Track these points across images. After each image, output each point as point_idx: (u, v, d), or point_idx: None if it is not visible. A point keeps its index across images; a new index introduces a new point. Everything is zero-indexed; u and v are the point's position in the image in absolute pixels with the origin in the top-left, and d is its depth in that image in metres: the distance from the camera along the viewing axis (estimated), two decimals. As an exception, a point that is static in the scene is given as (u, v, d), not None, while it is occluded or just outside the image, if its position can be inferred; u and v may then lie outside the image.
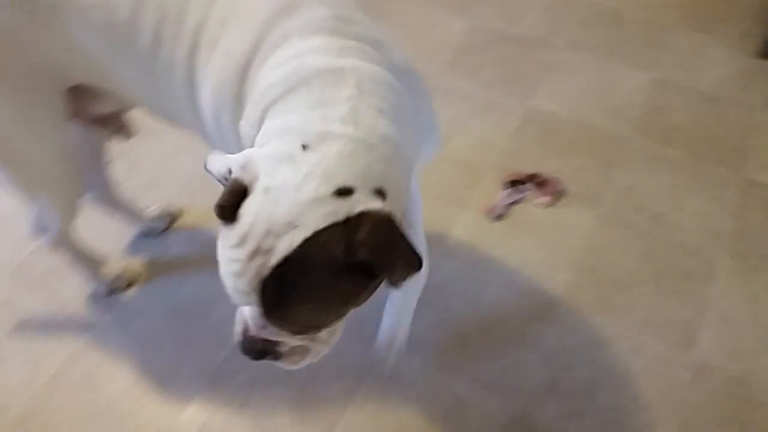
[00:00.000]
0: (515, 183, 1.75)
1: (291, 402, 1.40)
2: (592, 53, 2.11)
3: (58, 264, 1.60)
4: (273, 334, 0.83)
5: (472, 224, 1.68)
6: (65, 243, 1.46)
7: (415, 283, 1.31)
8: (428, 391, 1.40)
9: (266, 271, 0.75)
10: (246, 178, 0.77)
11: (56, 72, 1.11)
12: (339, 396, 1.40)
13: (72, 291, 1.61)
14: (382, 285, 0.81)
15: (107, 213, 1.63)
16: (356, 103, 0.82)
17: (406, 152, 0.87)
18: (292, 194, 0.75)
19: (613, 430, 1.32)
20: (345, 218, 0.74)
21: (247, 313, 0.83)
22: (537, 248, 1.62)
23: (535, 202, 1.71)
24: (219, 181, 0.81)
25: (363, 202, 0.76)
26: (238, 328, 0.89)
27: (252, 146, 0.88)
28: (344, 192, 0.75)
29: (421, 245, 1.26)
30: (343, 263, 0.74)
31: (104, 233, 1.67)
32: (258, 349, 0.87)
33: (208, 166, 0.82)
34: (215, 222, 0.77)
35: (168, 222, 1.72)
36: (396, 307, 1.35)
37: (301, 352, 0.90)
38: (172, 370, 1.45)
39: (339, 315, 0.85)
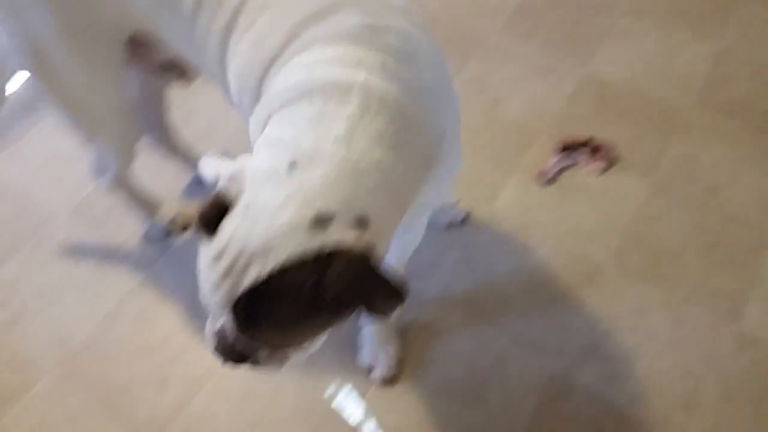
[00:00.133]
0: (568, 148, 1.74)
1: (334, 347, 1.44)
2: (653, 20, 2.06)
3: (116, 205, 1.66)
4: (248, 346, 0.81)
5: (521, 188, 1.68)
6: (123, 185, 1.52)
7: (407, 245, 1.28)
8: (470, 347, 1.42)
9: (237, 292, 0.73)
10: (232, 191, 0.76)
11: (115, 23, 1.15)
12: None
13: (128, 232, 1.68)
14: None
15: (164, 158, 1.67)
16: (355, 124, 0.79)
17: (402, 183, 0.82)
18: (269, 217, 0.72)
19: (653, 395, 1.33)
20: (318, 251, 0.71)
21: (225, 323, 0.79)
22: (587, 214, 1.62)
23: (587, 168, 1.70)
24: (209, 186, 0.79)
25: (340, 235, 0.73)
26: (211, 330, 0.85)
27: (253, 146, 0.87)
28: (321, 221, 0.72)
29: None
30: (312, 298, 0.72)
31: (161, 177, 1.72)
32: (235, 357, 0.84)
33: (201, 170, 0.81)
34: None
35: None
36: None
37: (281, 357, 0.86)
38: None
39: (313, 337, 0.83)
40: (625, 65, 1.94)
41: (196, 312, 1.51)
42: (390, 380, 1.39)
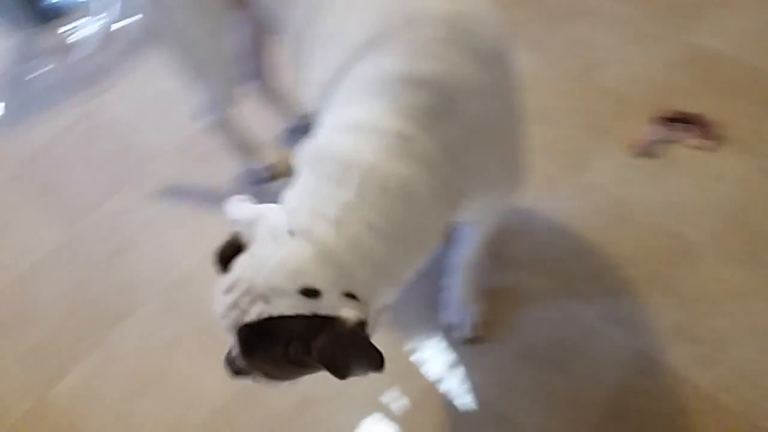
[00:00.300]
0: (668, 120, 1.69)
1: (419, 302, 1.48)
2: (770, -11, 1.95)
3: (216, 147, 1.71)
4: (246, 367, 0.88)
5: (615, 158, 1.65)
6: (224, 128, 1.56)
7: (482, 242, 1.31)
8: (557, 316, 1.43)
9: (238, 325, 0.82)
10: (246, 236, 0.84)
11: None
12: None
13: (227, 173, 1.73)
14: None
15: (264, 104, 1.71)
16: (348, 213, 0.80)
17: (393, 266, 0.84)
18: (268, 272, 0.79)
19: (744, 381, 1.32)
20: (311, 314, 0.78)
21: (233, 344, 0.87)
22: (685, 192, 1.58)
23: (687, 143, 1.66)
24: (230, 223, 0.87)
25: (331, 307, 0.78)
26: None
27: None
28: (310, 293, 0.78)
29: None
30: (300, 353, 0.79)
31: (260, 124, 1.76)
32: (236, 371, 0.90)
33: (226, 207, 0.88)
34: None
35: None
36: (464, 270, 1.38)
37: (274, 383, 0.91)
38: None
39: (299, 377, 0.88)
40: (733, 36, 1.85)
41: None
42: (473, 341, 1.43)
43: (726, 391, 1.30)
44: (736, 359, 1.34)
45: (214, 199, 1.70)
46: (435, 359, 1.42)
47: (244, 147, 1.65)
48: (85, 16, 2.16)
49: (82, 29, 2.14)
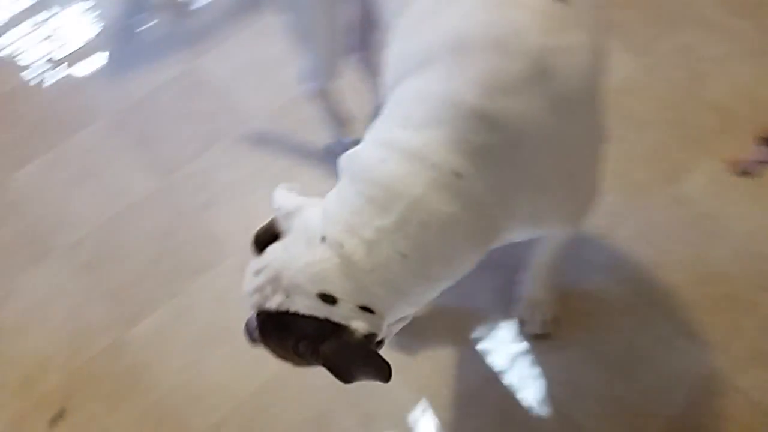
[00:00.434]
0: (773, 142, 1.63)
1: (491, 289, 1.48)
2: None
3: (310, 116, 1.74)
4: (261, 342, 0.91)
5: (711, 174, 1.60)
6: (322, 97, 1.60)
7: (559, 244, 1.28)
8: (630, 324, 1.41)
9: (263, 306, 0.85)
10: (283, 226, 0.87)
11: None
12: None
13: (317, 142, 1.77)
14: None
15: (363, 78, 1.73)
16: (382, 238, 0.80)
17: (414, 296, 0.85)
18: (294, 270, 0.82)
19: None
20: (324, 318, 0.81)
21: (252, 317, 0.90)
22: (782, 216, 1.53)
23: (792, 168, 1.59)
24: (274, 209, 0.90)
25: (344, 316, 0.81)
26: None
27: None
28: (327, 299, 0.81)
29: None
30: (308, 353, 0.83)
31: (356, 98, 1.78)
32: (252, 339, 0.92)
33: (273, 194, 0.91)
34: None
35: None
36: (538, 269, 1.36)
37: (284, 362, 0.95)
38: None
39: (307, 366, 0.90)
40: None
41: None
42: (542, 337, 1.42)
43: (801, 424, 1.27)
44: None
45: (302, 163, 1.75)
46: (501, 350, 1.42)
47: (338, 119, 1.68)
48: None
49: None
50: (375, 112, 1.77)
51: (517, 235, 0.95)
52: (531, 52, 0.79)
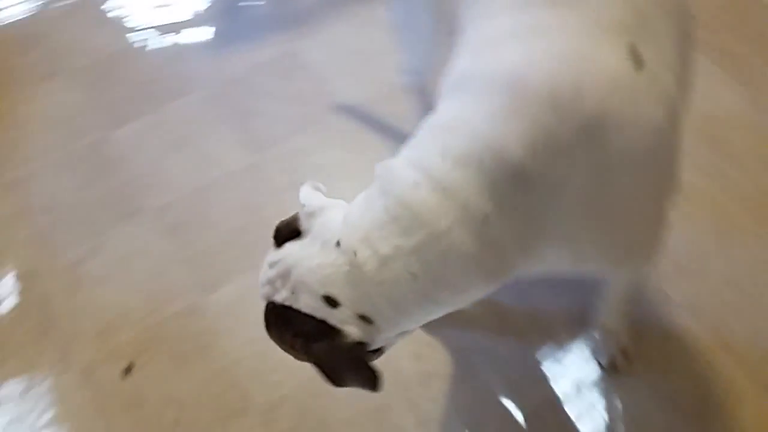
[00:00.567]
0: None
1: (566, 315, 1.46)
2: None
3: (403, 111, 1.74)
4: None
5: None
6: (420, 92, 1.60)
7: (629, 281, 1.26)
8: (708, 371, 1.37)
9: (271, 297, 0.90)
10: (304, 223, 0.90)
11: None
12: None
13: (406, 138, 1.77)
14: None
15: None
16: (397, 257, 0.81)
17: (414, 317, 0.88)
18: (305, 269, 0.86)
19: None
20: (322, 319, 0.85)
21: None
22: None
23: None
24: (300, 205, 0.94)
25: (341, 321, 0.85)
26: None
27: None
28: (330, 301, 0.84)
29: None
30: (301, 350, 0.88)
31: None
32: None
33: (300, 190, 0.96)
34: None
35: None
36: (617, 295, 1.32)
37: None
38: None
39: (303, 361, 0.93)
40: None
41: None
42: (610, 369, 1.39)
43: None
44: None
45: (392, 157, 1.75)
46: (567, 375, 1.40)
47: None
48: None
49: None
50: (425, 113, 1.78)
51: (560, 269, 0.96)
52: (585, 118, 0.78)
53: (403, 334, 0.93)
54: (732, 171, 1.61)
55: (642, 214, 0.93)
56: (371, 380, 0.86)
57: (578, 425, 1.34)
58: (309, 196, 0.94)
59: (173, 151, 1.86)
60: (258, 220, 1.69)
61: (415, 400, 1.39)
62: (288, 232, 0.92)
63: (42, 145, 1.91)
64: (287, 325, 0.89)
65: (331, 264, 0.84)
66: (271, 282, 0.90)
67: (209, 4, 2.24)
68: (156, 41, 2.14)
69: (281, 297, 0.88)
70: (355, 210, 0.87)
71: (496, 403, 1.38)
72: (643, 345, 1.41)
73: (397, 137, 1.78)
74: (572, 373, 1.40)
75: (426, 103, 1.63)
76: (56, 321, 1.59)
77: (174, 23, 2.18)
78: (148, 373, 1.50)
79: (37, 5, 2.26)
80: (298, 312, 0.87)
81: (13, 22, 2.23)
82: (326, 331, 0.85)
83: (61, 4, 2.25)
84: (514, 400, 1.38)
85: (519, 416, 1.36)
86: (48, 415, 1.45)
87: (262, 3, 2.27)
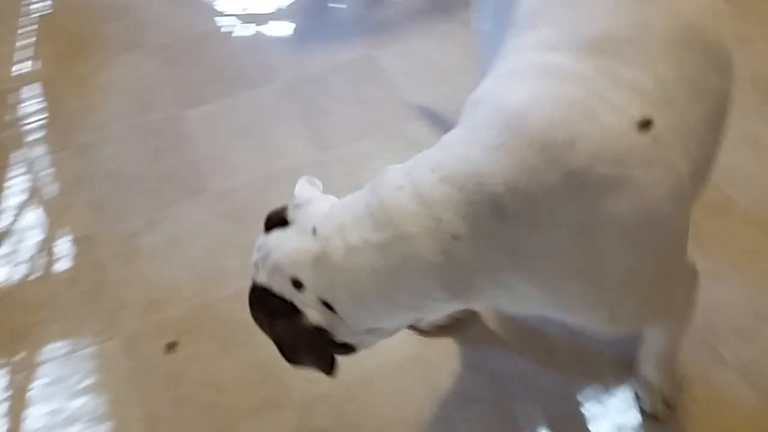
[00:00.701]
0: None
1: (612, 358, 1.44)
2: None
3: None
4: None
5: None
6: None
7: (677, 326, 1.23)
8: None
9: (255, 278, 0.96)
10: (290, 215, 0.95)
11: None
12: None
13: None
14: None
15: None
16: (364, 249, 0.85)
17: (374, 312, 0.90)
18: (281, 253, 0.91)
19: None
20: (288, 300, 0.90)
21: None
22: None
23: None
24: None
25: (304, 303, 0.90)
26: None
27: None
28: (297, 284, 0.90)
29: None
30: (267, 326, 0.96)
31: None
32: None
33: (297, 182, 1.02)
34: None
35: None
36: (655, 348, 1.29)
37: None
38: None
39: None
40: None
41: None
42: (651, 417, 1.36)
43: None
44: None
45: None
46: (607, 418, 1.38)
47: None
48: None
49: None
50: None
51: (554, 315, 0.97)
52: (572, 167, 0.78)
53: (375, 333, 0.96)
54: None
55: (630, 283, 0.89)
56: (326, 365, 0.94)
57: (613, 472, 1.32)
58: (302, 189, 1.01)
59: (242, 137, 1.89)
60: (317, 217, 1.71)
61: (450, 419, 1.38)
62: (277, 221, 0.97)
63: (116, 114, 1.97)
64: (263, 304, 0.95)
65: (302, 249, 0.90)
66: (255, 264, 0.96)
67: (293, 1, 2.28)
68: (239, 29, 2.19)
69: (261, 279, 0.94)
70: (342, 203, 0.93)
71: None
72: (690, 398, 1.37)
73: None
74: (612, 416, 1.37)
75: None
76: (106, 289, 1.62)
77: (259, 14, 2.23)
78: (191, 352, 1.52)
79: (131, -24, 2.33)
80: (272, 293, 0.92)
81: (105, -10, 2.30)
82: (290, 311, 0.91)
83: (153, -22, 2.32)
84: (549, 436, 1.37)
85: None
86: (88, 381, 1.47)
87: (344, 6, 2.30)
